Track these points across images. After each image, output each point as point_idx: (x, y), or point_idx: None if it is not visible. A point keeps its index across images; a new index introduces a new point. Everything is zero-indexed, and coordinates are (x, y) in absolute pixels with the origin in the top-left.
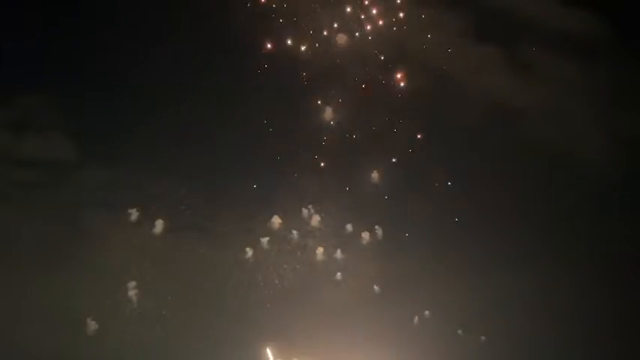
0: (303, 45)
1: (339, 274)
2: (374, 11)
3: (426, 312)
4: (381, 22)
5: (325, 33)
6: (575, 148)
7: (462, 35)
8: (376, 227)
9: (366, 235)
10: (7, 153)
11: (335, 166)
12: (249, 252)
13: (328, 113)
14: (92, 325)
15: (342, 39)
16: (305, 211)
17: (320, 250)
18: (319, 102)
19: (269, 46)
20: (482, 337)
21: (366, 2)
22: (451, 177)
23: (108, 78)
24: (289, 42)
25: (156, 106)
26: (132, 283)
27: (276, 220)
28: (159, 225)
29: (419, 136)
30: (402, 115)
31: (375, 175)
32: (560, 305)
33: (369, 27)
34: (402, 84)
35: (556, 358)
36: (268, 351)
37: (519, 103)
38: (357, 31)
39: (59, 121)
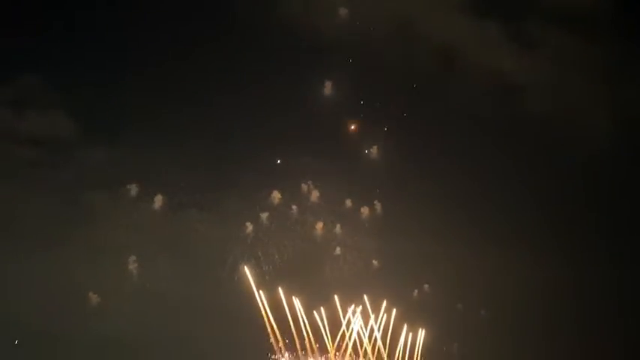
0: (302, 19)
1: (338, 248)
2: None
3: (426, 285)
4: None
5: (325, 6)
6: (575, 124)
7: (464, 11)
8: (375, 202)
9: (365, 210)
10: (8, 131)
11: (334, 141)
12: (250, 227)
13: (328, 88)
14: (94, 298)
15: (343, 12)
16: (304, 187)
17: (319, 225)
18: (318, 77)
19: (266, 20)
20: (482, 312)
21: None
22: (450, 154)
23: (107, 57)
24: (288, 16)
25: (155, 85)
26: (132, 258)
27: (276, 196)
28: (159, 202)
29: (418, 113)
30: (402, 90)
31: (374, 150)
32: (558, 281)
33: (370, 2)
34: (402, 59)
35: (553, 333)
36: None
37: (520, 78)
38: (358, 6)
39: (59, 99)
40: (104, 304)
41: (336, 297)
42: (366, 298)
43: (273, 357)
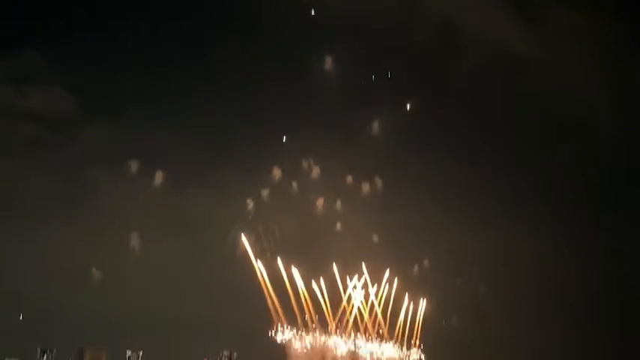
0: None
1: (338, 224)
2: None
3: (425, 261)
4: None
5: None
6: (579, 98)
7: None
8: (376, 178)
9: (366, 186)
10: (9, 108)
11: (334, 118)
12: (251, 204)
13: (328, 64)
14: (97, 274)
15: None
16: (305, 164)
17: (320, 202)
18: (319, 52)
19: None
20: (481, 287)
21: None
22: (452, 131)
23: (107, 33)
24: None
25: (155, 61)
26: (134, 235)
27: (277, 173)
28: (160, 179)
29: (420, 89)
30: (404, 66)
31: (375, 126)
32: (557, 258)
33: None
34: (404, 34)
35: (551, 309)
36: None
37: (524, 52)
38: None
39: (59, 75)
40: (106, 280)
41: (334, 265)
42: (364, 266)
43: (274, 333)
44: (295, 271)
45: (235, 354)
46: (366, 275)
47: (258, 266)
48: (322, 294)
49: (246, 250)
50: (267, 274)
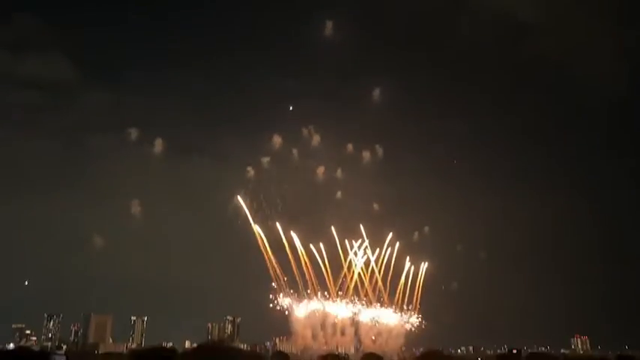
0: None
1: (339, 192)
2: None
3: (426, 228)
4: None
5: None
6: (578, 60)
7: None
8: (377, 146)
9: (366, 155)
10: (8, 74)
11: (335, 84)
12: (251, 171)
13: (329, 29)
14: (98, 241)
15: None
16: (305, 131)
17: (321, 170)
18: (320, 17)
19: None
20: (481, 253)
21: None
22: (453, 97)
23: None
24: None
25: (155, 27)
26: (135, 202)
27: (277, 140)
28: (161, 146)
29: (422, 55)
30: (406, 31)
31: (376, 94)
32: (558, 226)
33: None
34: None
35: (549, 275)
36: (333, 229)
37: (525, 16)
38: None
39: (58, 40)
40: (110, 246)
41: (332, 228)
42: (362, 228)
43: (276, 299)
44: (295, 237)
45: (239, 319)
46: (366, 243)
47: (259, 231)
48: (322, 259)
49: (246, 216)
50: (268, 240)
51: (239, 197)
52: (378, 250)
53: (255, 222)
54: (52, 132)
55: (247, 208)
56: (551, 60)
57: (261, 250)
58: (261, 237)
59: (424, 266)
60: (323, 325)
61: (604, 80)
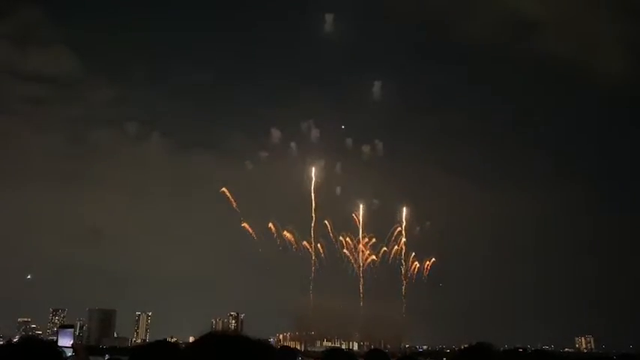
0: None
1: (338, 188)
2: None
3: (427, 223)
4: None
5: None
6: (591, 60)
7: None
8: (376, 141)
9: (366, 149)
10: (12, 67)
11: (334, 78)
12: (250, 166)
13: (329, 23)
14: (103, 235)
15: None
16: (304, 125)
17: (320, 164)
18: (319, 11)
19: None
20: (486, 249)
21: None
22: (454, 93)
23: None
24: None
25: (158, 21)
26: (140, 195)
27: (276, 134)
28: (160, 139)
29: (424, 49)
30: (407, 25)
31: (377, 87)
32: (568, 218)
33: None
34: None
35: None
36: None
37: (535, 15)
38: None
39: (62, 34)
40: (113, 241)
41: (330, 224)
42: (361, 223)
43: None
44: (294, 232)
45: (242, 315)
46: (362, 237)
47: (246, 225)
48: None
49: (248, 212)
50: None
51: (225, 190)
52: (376, 244)
53: (253, 215)
54: (56, 125)
55: (247, 203)
56: (550, 58)
57: (264, 246)
58: (248, 227)
59: (427, 262)
60: None
61: (619, 77)
